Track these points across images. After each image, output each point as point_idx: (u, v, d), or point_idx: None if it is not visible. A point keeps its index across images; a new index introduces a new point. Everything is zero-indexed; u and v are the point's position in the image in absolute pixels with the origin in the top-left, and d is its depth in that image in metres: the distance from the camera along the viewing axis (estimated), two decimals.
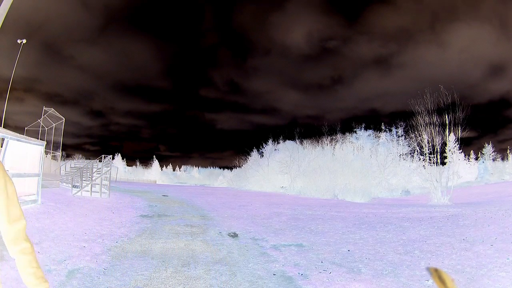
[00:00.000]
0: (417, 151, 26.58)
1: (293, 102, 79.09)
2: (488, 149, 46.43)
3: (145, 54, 76.38)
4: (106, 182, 14.45)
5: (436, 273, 0.89)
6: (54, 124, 17.10)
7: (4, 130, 8.22)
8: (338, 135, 39.18)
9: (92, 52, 68.90)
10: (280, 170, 35.08)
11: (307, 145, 37.55)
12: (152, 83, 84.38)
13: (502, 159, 45.97)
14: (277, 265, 5.10)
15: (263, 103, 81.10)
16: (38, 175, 8.67)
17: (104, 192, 14.01)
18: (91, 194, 13.56)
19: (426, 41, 63.90)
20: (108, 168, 15.27)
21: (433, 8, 61.98)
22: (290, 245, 6.55)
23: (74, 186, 14.12)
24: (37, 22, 55.26)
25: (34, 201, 8.46)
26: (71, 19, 66.28)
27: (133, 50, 75.59)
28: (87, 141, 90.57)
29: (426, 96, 18.95)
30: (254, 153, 43.69)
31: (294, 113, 77.51)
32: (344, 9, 73.53)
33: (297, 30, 75.66)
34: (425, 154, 19.72)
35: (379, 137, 40.72)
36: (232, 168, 52.31)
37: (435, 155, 19.18)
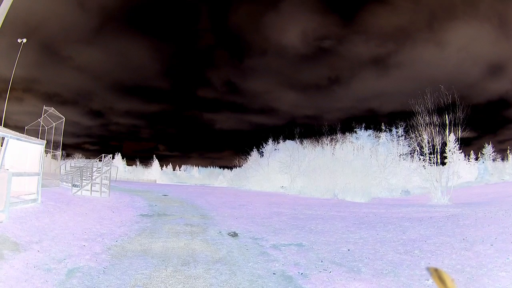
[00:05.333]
0: (417, 151, 26.58)
1: (291, 102, 79.20)
2: (488, 149, 46.48)
3: (143, 55, 76.47)
4: (106, 182, 14.45)
5: (436, 273, 0.89)
6: (54, 124, 17.07)
7: (5, 129, 8.22)
8: (338, 135, 39.25)
9: (90, 53, 68.92)
10: (280, 169, 35.08)
11: (307, 145, 37.61)
12: (151, 83, 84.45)
13: (502, 159, 46.03)
14: (277, 265, 5.10)
15: (261, 103, 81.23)
16: (38, 174, 8.67)
17: (104, 192, 14.02)
18: (91, 194, 13.56)
19: (424, 40, 63.88)
20: (108, 168, 15.27)
21: (431, 7, 61.89)
22: (290, 244, 6.55)
23: (74, 185, 14.12)
24: (35, 23, 55.19)
25: (34, 200, 8.46)
26: (69, 20, 66.16)
27: (131, 51, 75.66)
28: (87, 141, 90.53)
29: (426, 96, 18.94)
30: (254, 153, 43.74)
31: (292, 113, 77.59)
32: (339, 9, 73.52)
33: (292, 30, 75.68)
34: (425, 154, 19.71)
35: (379, 137, 40.78)
36: (232, 168, 52.43)
37: (435, 155, 19.17)
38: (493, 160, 46.11)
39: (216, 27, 76.36)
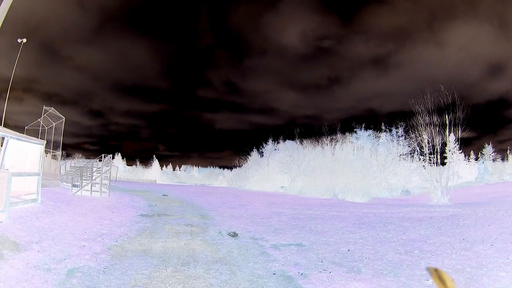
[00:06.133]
0: (417, 151, 26.57)
1: (291, 102, 79.28)
2: (488, 149, 46.53)
3: (142, 55, 76.59)
4: (106, 182, 14.44)
5: (436, 273, 0.89)
6: (54, 124, 17.07)
7: (5, 129, 8.22)
8: (338, 135, 39.27)
9: (90, 53, 69.00)
10: (280, 169, 35.05)
11: (307, 145, 37.57)
12: (150, 83, 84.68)
13: (502, 159, 46.10)
14: (277, 265, 5.10)
15: (261, 103, 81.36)
16: (38, 174, 8.66)
17: (104, 192, 14.01)
18: (91, 194, 13.55)
19: (424, 40, 63.94)
20: (108, 168, 15.27)
21: (431, 7, 61.89)
22: (290, 244, 6.55)
23: (74, 186, 14.11)
24: (35, 23, 55.21)
25: (34, 200, 8.46)
26: (69, 20, 66.21)
27: (131, 51, 75.80)
28: (86, 141, 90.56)
29: (426, 96, 18.95)
30: (254, 153, 43.70)
31: (292, 113, 77.60)
32: (339, 9, 73.58)
33: (292, 30, 75.74)
34: (425, 154, 19.71)
35: (379, 137, 40.83)
36: (232, 168, 52.46)
37: (435, 155, 19.17)
38: (493, 160, 46.20)
39: (216, 27, 76.53)
